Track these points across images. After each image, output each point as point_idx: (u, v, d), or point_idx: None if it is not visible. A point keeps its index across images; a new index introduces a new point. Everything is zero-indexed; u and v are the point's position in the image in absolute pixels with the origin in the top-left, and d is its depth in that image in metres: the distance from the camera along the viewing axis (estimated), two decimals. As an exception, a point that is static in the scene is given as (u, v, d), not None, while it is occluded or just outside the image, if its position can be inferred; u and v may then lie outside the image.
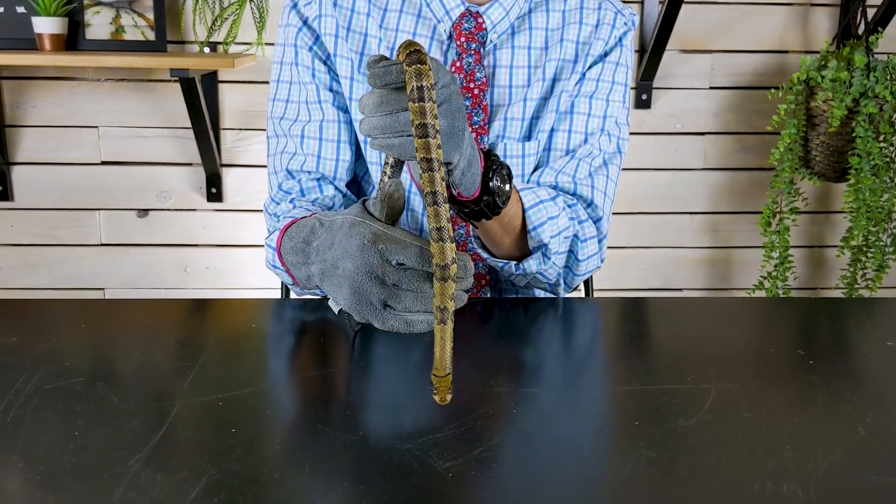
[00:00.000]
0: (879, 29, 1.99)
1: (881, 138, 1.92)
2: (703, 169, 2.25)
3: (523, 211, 0.93)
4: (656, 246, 2.30)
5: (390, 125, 0.68)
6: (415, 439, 0.64)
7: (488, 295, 1.10)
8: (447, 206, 0.67)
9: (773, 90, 2.04)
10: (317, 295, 0.99)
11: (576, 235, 1.00)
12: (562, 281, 1.05)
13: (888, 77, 1.87)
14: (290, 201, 1.02)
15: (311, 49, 1.04)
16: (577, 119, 1.06)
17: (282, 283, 1.52)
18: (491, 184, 0.83)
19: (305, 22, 1.04)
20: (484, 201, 0.83)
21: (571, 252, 1.01)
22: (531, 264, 0.97)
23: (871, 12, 2.07)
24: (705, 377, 0.76)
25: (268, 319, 0.95)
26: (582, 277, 1.06)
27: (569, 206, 1.01)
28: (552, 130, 1.07)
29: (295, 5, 1.05)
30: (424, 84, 0.64)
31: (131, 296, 2.24)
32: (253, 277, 2.26)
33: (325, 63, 1.04)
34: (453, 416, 0.68)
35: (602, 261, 1.07)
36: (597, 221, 1.05)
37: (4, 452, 0.61)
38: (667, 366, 0.81)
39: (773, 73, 2.20)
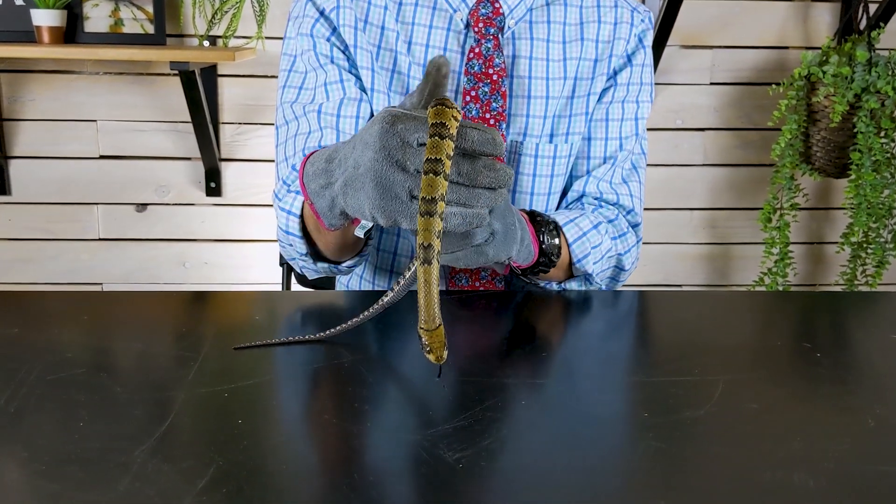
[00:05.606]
0: (881, 24, 1.99)
1: (882, 134, 1.92)
2: (704, 165, 2.25)
3: (567, 245, 0.99)
4: (656, 242, 2.30)
5: None
6: (424, 430, 0.63)
7: (501, 284, 1.09)
8: (451, 142, 0.61)
9: (773, 86, 2.04)
10: (328, 272, 0.99)
11: (619, 253, 1.06)
12: (604, 286, 1.09)
13: (890, 72, 1.86)
14: None
15: (328, 39, 1.02)
16: (612, 126, 1.10)
17: (282, 277, 1.51)
18: (544, 246, 0.91)
19: (322, 13, 1.03)
20: (541, 262, 0.92)
21: (617, 266, 1.07)
22: (573, 285, 1.03)
23: (872, 7, 2.06)
24: (712, 369, 0.76)
25: (270, 311, 0.95)
26: (624, 281, 1.12)
27: (610, 222, 1.06)
28: (589, 139, 1.10)
29: None
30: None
31: (129, 291, 2.23)
32: (252, 273, 2.25)
33: (343, 52, 1.03)
34: (462, 407, 0.68)
35: (637, 260, 1.12)
36: (635, 227, 1.10)
37: (8, 442, 0.61)
38: (673, 358, 0.81)
39: (774, 68, 2.19)
